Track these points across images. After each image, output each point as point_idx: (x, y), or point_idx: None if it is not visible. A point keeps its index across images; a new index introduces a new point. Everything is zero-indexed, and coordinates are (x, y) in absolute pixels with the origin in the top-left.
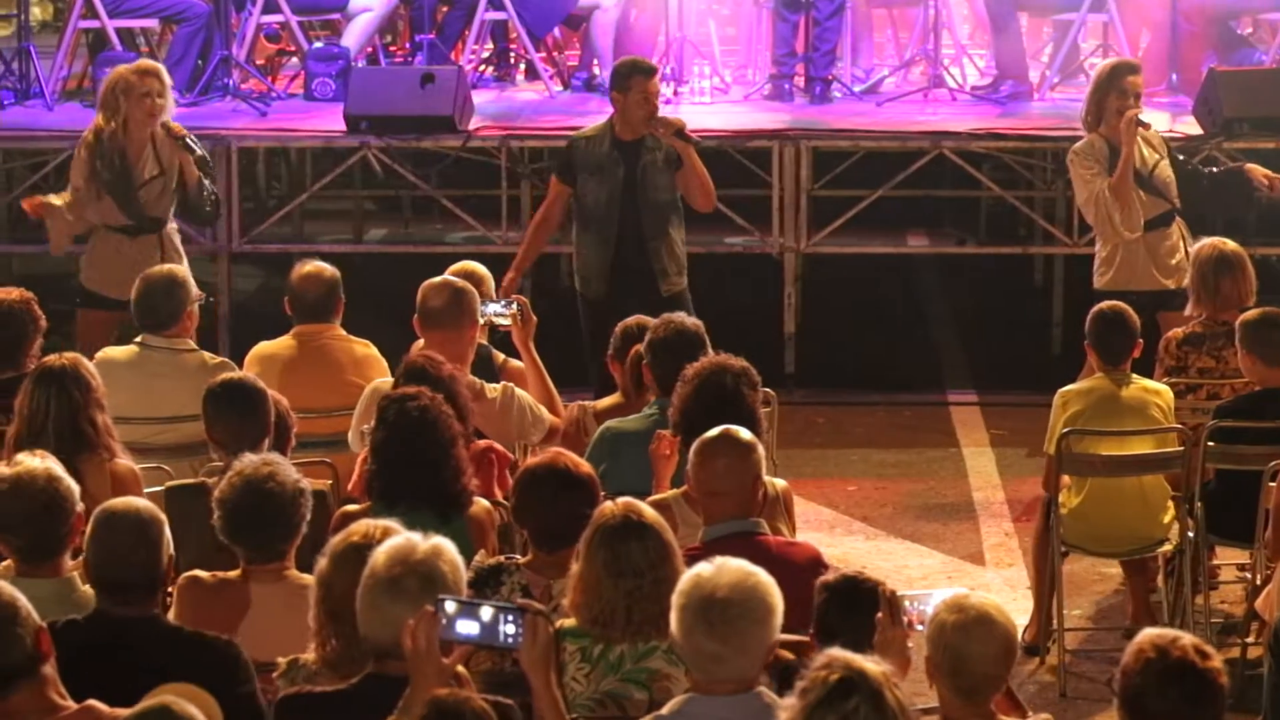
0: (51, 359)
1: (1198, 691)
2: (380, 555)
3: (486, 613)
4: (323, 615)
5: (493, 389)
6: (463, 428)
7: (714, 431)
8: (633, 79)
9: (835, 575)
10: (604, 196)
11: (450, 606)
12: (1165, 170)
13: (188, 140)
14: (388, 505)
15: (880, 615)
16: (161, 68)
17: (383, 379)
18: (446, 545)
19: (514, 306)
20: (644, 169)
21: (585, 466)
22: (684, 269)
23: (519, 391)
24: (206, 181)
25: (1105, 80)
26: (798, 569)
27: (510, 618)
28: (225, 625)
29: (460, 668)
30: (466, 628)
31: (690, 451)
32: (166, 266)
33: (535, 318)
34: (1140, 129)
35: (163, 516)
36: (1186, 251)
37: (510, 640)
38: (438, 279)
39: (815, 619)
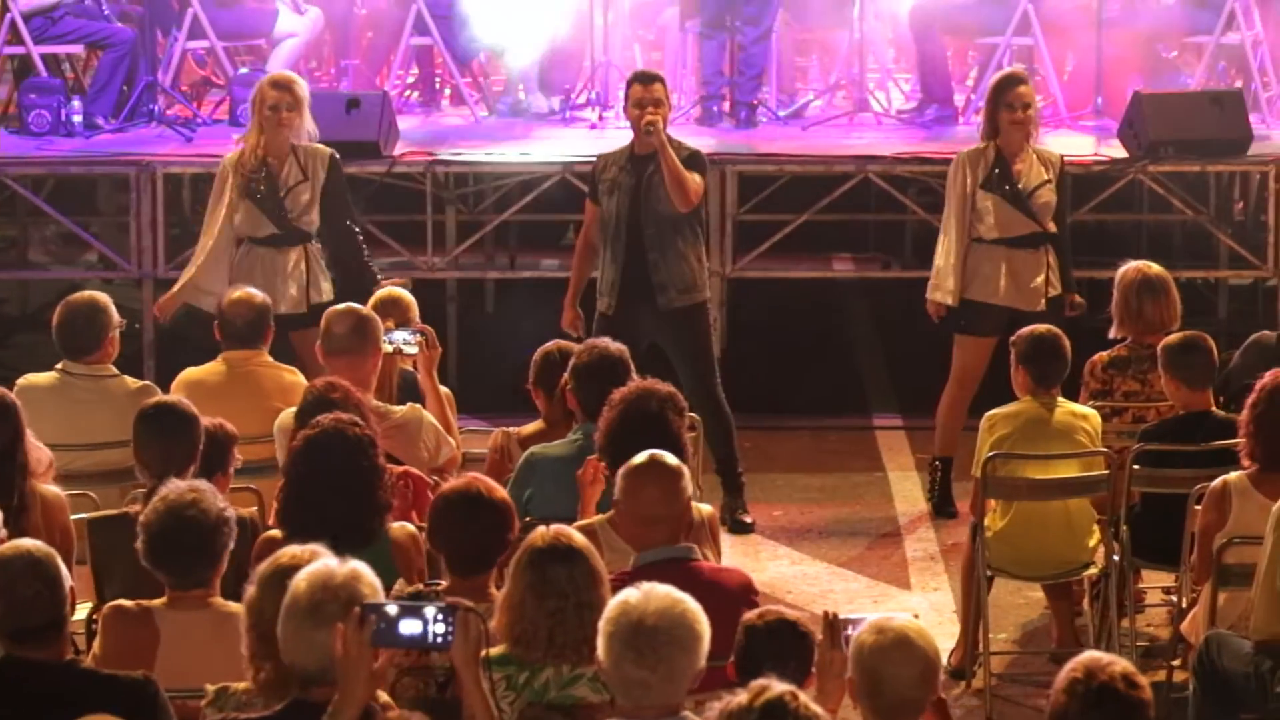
0: None
1: (1119, 718)
2: (300, 582)
3: (429, 612)
4: (254, 641)
5: (398, 411)
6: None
7: (641, 458)
8: (628, 88)
9: (758, 616)
10: (614, 211)
11: (392, 610)
12: (1048, 193)
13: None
14: (308, 538)
15: (820, 638)
16: (296, 78)
17: (290, 410)
18: (364, 569)
19: (419, 335)
20: (649, 180)
21: (500, 491)
22: (692, 287)
23: (426, 415)
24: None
25: (993, 94)
26: (729, 595)
27: (441, 616)
28: (149, 653)
29: (383, 694)
30: (409, 628)
31: (617, 478)
32: (88, 293)
33: (440, 347)
34: (1031, 144)
35: (53, 551)
36: (1050, 279)
37: (441, 640)
38: (341, 306)
39: (736, 657)
